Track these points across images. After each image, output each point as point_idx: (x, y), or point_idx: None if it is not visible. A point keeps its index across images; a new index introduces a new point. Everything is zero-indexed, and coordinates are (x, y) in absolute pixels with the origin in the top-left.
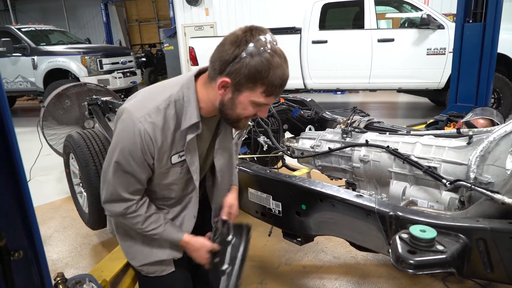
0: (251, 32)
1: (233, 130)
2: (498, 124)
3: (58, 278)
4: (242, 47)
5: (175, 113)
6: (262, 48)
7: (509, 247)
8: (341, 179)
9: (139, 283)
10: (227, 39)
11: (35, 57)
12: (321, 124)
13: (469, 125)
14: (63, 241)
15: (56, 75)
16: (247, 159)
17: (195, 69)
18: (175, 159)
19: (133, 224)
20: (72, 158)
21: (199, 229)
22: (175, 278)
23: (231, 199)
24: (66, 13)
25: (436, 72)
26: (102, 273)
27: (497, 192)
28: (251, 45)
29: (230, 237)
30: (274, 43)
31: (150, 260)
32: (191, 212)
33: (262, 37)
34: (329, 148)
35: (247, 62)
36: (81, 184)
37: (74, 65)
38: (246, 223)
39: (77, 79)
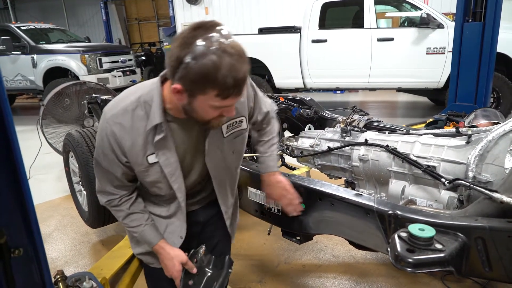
0: (195, 32)
1: (222, 128)
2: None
3: (58, 276)
4: (186, 50)
5: (145, 114)
6: (208, 49)
7: (507, 245)
8: (340, 178)
9: (143, 270)
10: (175, 41)
11: (35, 56)
12: (321, 123)
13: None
14: (63, 239)
15: (56, 74)
16: (247, 158)
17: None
18: (151, 159)
19: (117, 217)
20: (72, 157)
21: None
22: None
23: (275, 178)
24: (65, 11)
25: (436, 71)
26: (102, 271)
27: (496, 191)
28: (195, 47)
29: (208, 269)
30: (225, 39)
31: (148, 250)
32: (181, 217)
33: (208, 36)
34: (328, 147)
35: (191, 67)
36: (80, 182)
37: (73, 63)
38: (229, 257)
39: (77, 78)
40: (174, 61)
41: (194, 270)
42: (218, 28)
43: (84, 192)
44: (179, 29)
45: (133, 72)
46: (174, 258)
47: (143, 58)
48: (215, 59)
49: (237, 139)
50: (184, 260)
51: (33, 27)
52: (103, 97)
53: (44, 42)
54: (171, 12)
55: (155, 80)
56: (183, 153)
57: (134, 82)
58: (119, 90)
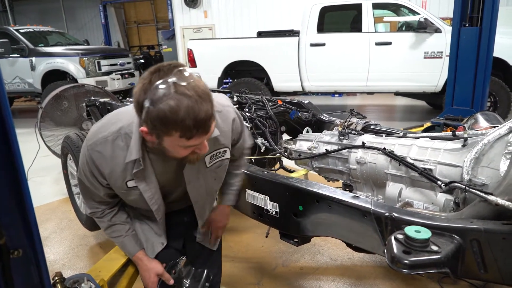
0: (152, 77)
1: (205, 159)
2: None
3: (56, 278)
4: (143, 96)
5: (125, 145)
6: (165, 94)
7: (502, 247)
8: (338, 180)
9: None
10: (138, 84)
11: (33, 58)
12: (319, 126)
13: None
14: (60, 242)
15: (54, 77)
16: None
17: None
18: (131, 183)
19: (100, 226)
20: (70, 159)
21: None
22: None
23: (216, 214)
24: (64, 14)
25: (433, 75)
26: (100, 273)
27: (491, 194)
28: (153, 91)
29: (186, 281)
30: (182, 82)
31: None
32: (161, 227)
33: (164, 81)
34: (326, 150)
35: (150, 111)
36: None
37: (72, 66)
38: (208, 271)
39: (75, 81)
40: (136, 105)
41: (171, 282)
42: (177, 70)
43: None
44: (178, 32)
45: (132, 75)
46: (151, 270)
47: (142, 61)
48: (172, 103)
49: (220, 168)
50: (160, 271)
51: (32, 30)
52: (102, 100)
53: (42, 44)
54: (170, 15)
55: (134, 113)
56: (163, 180)
57: (132, 85)
58: (117, 93)
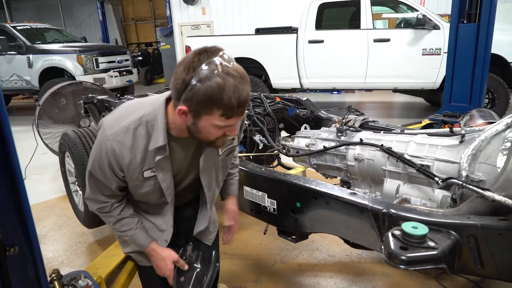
0: (199, 57)
1: None
2: None
3: (54, 275)
4: (191, 74)
5: (146, 133)
6: (212, 72)
7: (499, 243)
8: (336, 177)
9: (137, 268)
10: (179, 65)
11: (31, 56)
12: (317, 123)
13: None
14: (58, 239)
15: (52, 74)
16: (243, 157)
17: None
18: (147, 173)
19: (106, 221)
20: (68, 157)
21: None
22: None
23: (232, 205)
24: (62, 11)
25: (432, 72)
26: (98, 270)
27: (488, 190)
28: (200, 70)
29: (197, 265)
30: (227, 63)
31: (135, 250)
32: (170, 221)
33: (212, 60)
34: (324, 146)
35: (197, 89)
36: (76, 182)
37: (70, 63)
38: (216, 252)
39: (73, 78)
40: (180, 84)
41: (186, 267)
42: (221, 53)
43: (80, 192)
44: (176, 29)
45: (130, 72)
46: (166, 258)
47: (140, 58)
48: (220, 81)
49: (228, 156)
50: (176, 258)
51: (29, 27)
52: (100, 97)
53: (40, 42)
54: (168, 12)
55: (158, 100)
56: (177, 169)
57: (130, 83)
58: (115, 90)
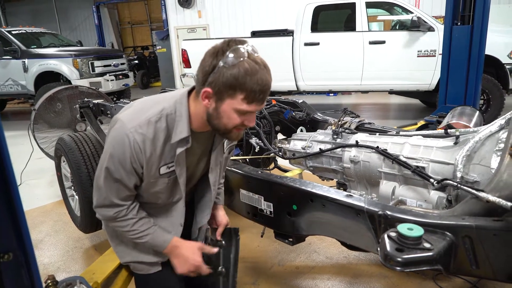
0: (229, 43)
1: (225, 144)
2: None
3: (49, 281)
4: (220, 57)
5: (166, 127)
6: (239, 58)
7: (493, 244)
8: (332, 179)
9: (134, 276)
10: (208, 52)
11: (26, 60)
12: (313, 125)
13: (450, 127)
14: (55, 245)
15: (47, 78)
16: (239, 160)
17: (186, 87)
18: (163, 169)
19: (122, 228)
20: (64, 161)
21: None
22: (164, 276)
23: (222, 211)
24: (57, 15)
25: (427, 73)
26: (94, 275)
27: (482, 191)
28: (228, 55)
29: (220, 242)
30: (253, 52)
31: (136, 260)
32: (177, 220)
33: (240, 47)
34: (320, 149)
35: (224, 71)
36: (72, 187)
37: (65, 67)
38: (234, 228)
39: (69, 82)
40: (208, 67)
41: (215, 250)
42: (247, 43)
43: (76, 197)
44: (172, 32)
45: (126, 76)
46: (193, 247)
47: (136, 62)
48: (246, 66)
49: (229, 155)
50: (201, 245)
51: (24, 31)
52: (96, 101)
53: (35, 46)
54: (164, 15)
55: (180, 94)
56: (187, 165)
57: (126, 86)
58: (111, 94)
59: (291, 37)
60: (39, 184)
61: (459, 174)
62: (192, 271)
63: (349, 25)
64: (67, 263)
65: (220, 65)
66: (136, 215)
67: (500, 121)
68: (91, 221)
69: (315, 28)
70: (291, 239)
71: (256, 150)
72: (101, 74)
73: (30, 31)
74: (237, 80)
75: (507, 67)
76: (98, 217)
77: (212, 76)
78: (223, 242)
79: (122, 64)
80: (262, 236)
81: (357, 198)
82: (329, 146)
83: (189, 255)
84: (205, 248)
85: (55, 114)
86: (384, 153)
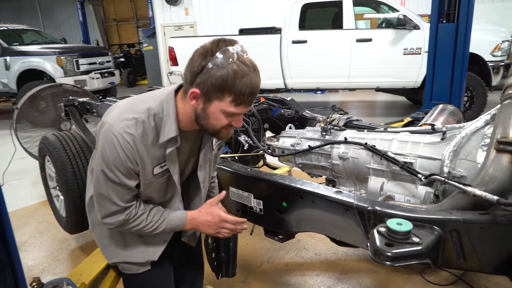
0: (218, 44)
1: (214, 141)
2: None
3: (34, 283)
4: (209, 58)
5: (155, 126)
6: (228, 59)
7: (480, 237)
8: (321, 176)
9: (122, 277)
10: (197, 51)
11: (8, 58)
12: (301, 122)
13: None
14: (39, 246)
15: (31, 76)
16: (228, 158)
17: (173, 87)
18: (156, 170)
19: (138, 226)
20: (48, 161)
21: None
22: (153, 275)
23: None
24: (40, 12)
25: (413, 71)
26: (81, 277)
27: (469, 185)
28: (217, 56)
29: None
30: (243, 53)
31: (125, 260)
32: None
33: (229, 48)
34: (309, 146)
35: (213, 72)
36: (57, 187)
37: (49, 65)
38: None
39: (53, 80)
40: (196, 67)
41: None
42: (237, 44)
43: (62, 197)
44: (159, 30)
45: (112, 74)
46: (207, 211)
47: (122, 59)
48: (235, 68)
49: (218, 152)
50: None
51: (6, 28)
52: (81, 100)
53: (17, 43)
54: (150, 13)
55: (166, 93)
56: (180, 162)
57: (112, 84)
58: (97, 92)
59: (279, 35)
60: (22, 185)
61: (446, 169)
62: (222, 228)
63: (337, 23)
64: (53, 265)
65: (209, 66)
66: (145, 208)
67: (485, 116)
68: (77, 221)
69: (302, 26)
70: (281, 236)
71: (245, 148)
72: (86, 72)
73: (12, 28)
74: (225, 82)
75: (490, 64)
76: (109, 228)
77: (201, 77)
78: None
79: (107, 61)
80: (251, 234)
81: (346, 194)
82: (318, 143)
83: (208, 219)
84: (228, 218)
85: (39, 113)
86: (372, 149)
